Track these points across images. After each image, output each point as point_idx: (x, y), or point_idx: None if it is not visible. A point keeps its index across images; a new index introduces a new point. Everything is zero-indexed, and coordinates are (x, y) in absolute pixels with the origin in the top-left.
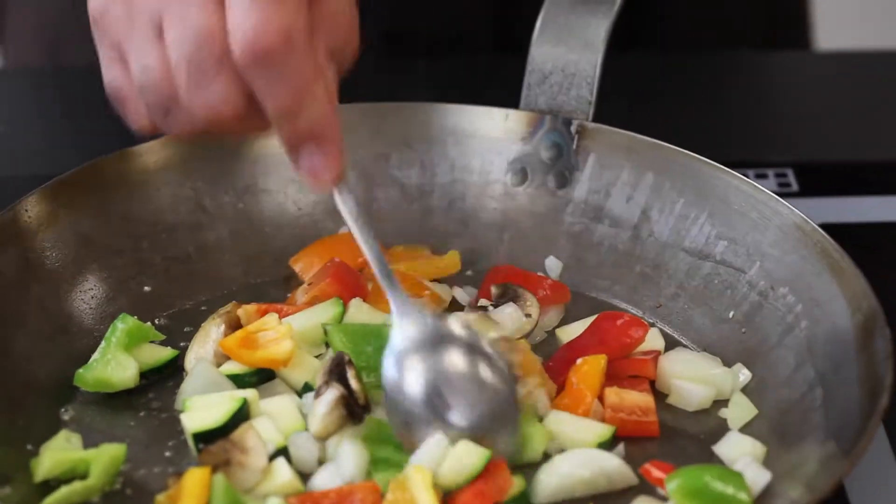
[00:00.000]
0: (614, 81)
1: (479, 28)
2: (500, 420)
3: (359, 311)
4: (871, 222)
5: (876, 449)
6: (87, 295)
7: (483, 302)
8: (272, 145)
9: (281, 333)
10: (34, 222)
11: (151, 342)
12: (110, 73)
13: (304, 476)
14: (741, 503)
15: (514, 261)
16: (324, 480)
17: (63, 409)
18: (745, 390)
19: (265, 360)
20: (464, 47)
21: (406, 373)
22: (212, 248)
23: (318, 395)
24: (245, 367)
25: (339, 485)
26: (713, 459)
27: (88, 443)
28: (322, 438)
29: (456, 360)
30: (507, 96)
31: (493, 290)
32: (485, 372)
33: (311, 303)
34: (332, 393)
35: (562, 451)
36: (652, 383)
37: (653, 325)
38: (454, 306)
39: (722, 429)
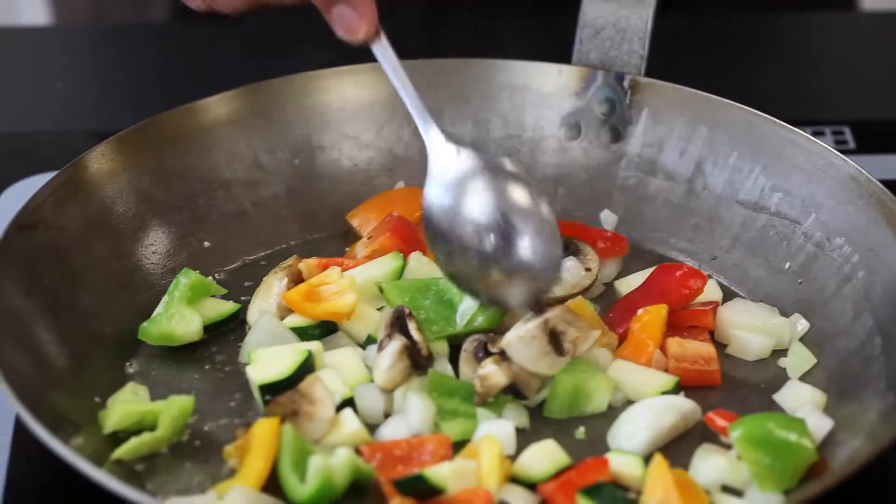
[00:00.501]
0: (661, 42)
1: None
2: (543, 248)
3: (419, 265)
4: None
5: None
6: (148, 250)
7: None
8: (325, 102)
9: (344, 286)
10: (94, 179)
11: (213, 296)
12: None
13: (370, 428)
14: (805, 450)
15: (569, 214)
16: (391, 432)
17: (128, 364)
18: (804, 340)
19: (329, 312)
20: (507, 9)
21: (453, 200)
22: (268, 205)
23: (381, 347)
24: (308, 320)
25: (405, 436)
26: (774, 408)
27: (154, 395)
28: (388, 390)
29: (501, 190)
30: (553, 54)
31: None
32: (528, 202)
33: (371, 257)
34: (396, 344)
35: (626, 402)
36: (711, 334)
37: (709, 276)
38: None
39: (782, 378)
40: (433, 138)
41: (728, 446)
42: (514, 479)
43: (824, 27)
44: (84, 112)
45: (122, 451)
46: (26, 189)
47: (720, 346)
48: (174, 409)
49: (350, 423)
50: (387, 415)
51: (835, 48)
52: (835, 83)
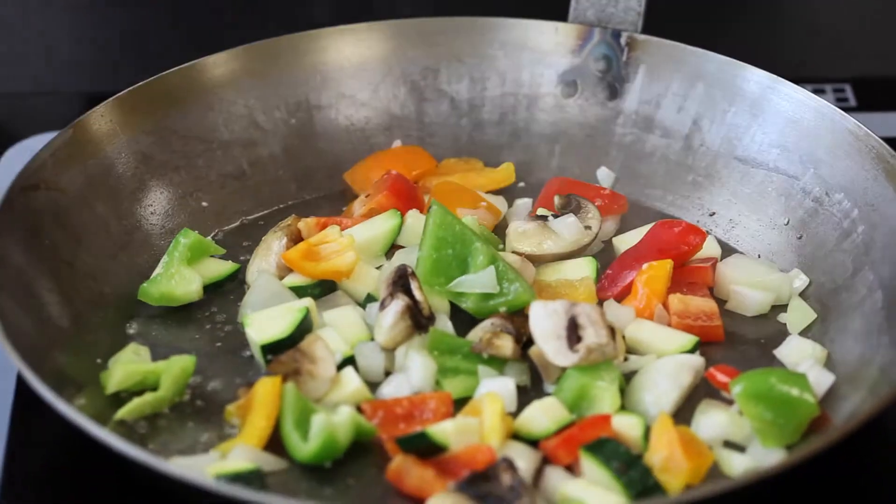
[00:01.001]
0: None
1: None
2: None
3: (417, 222)
4: None
5: None
6: (147, 211)
7: (542, 211)
8: (323, 62)
9: (343, 245)
10: (94, 139)
11: (212, 256)
12: None
13: (371, 386)
14: (806, 404)
15: (566, 172)
16: (392, 390)
17: (128, 324)
18: (804, 295)
19: (328, 271)
20: None
21: None
22: (266, 164)
23: (383, 306)
24: (307, 280)
25: (407, 394)
26: (775, 363)
27: (155, 356)
28: (389, 349)
29: None
30: (550, 11)
31: (557, 200)
32: None
33: (369, 215)
34: (398, 304)
35: (630, 371)
36: (710, 290)
37: (708, 233)
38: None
39: (782, 334)
40: None
41: (730, 402)
42: (516, 436)
43: None
44: (83, 73)
45: (124, 412)
46: (26, 150)
47: (720, 302)
48: (175, 368)
49: (351, 381)
50: (388, 373)
51: (837, 5)
52: (835, 41)
